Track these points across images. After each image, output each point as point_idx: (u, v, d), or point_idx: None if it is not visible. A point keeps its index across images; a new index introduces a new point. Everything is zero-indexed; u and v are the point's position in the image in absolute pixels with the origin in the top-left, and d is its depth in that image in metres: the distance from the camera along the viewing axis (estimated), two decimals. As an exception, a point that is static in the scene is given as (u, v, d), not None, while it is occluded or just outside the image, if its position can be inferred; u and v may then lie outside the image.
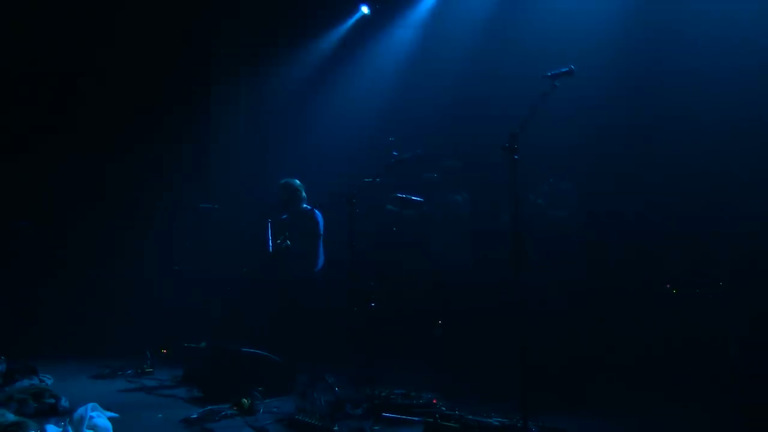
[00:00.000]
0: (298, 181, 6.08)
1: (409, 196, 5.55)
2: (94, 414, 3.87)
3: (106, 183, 7.83)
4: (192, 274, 7.04)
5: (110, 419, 3.95)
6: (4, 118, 7.44)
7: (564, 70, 3.58)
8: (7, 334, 6.37)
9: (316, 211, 5.96)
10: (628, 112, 5.45)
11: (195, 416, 4.25)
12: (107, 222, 7.63)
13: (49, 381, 5.22)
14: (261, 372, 4.86)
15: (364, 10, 7.40)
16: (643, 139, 5.36)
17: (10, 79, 7.45)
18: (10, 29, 7.40)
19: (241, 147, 8.16)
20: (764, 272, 4.63)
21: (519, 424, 3.41)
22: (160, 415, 4.43)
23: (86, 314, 7.09)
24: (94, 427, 3.79)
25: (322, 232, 5.95)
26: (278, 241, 5.80)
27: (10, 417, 3.84)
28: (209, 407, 4.37)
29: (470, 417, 3.63)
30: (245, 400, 4.35)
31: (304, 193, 6.08)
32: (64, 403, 4.43)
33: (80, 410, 3.88)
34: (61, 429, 3.77)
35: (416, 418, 4.01)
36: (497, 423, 3.54)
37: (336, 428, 3.85)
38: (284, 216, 6.11)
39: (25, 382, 4.98)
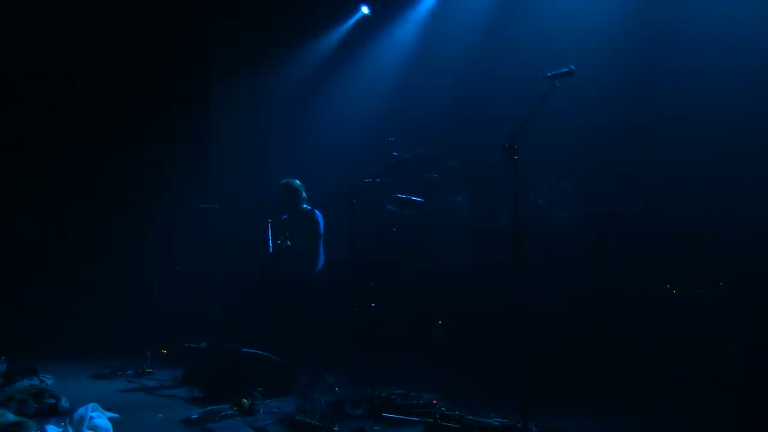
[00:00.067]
0: (298, 182, 6.09)
1: (409, 197, 5.55)
2: (94, 414, 3.87)
3: (106, 183, 7.84)
4: (192, 274, 7.04)
5: (110, 419, 3.95)
6: (4, 118, 7.44)
7: (564, 70, 3.59)
8: (7, 334, 6.38)
9: (317, 212, 5.96)
10: (627, 112, 5.45)
11: (195, 416, 4.25)
12: (107, 222, 7.64)
13: (49, 381, 5.22)
14: (261, 372, 4.86)
15: (364, 10, 7.40)
16: (642, 139, 5.36)
17: (10, 79, 7.45)
18: (10, 29, 7.40)
19: (241, 147, 8.16)
20: (764, 272, 4.63)
21: (519, 425, 3.41)
22: (160, 416, 4.43)
23: (86, 314, 7.09)
24: (94, 427, 3.80)
25: (322, 233, 5.95)
26: (278, 242, 5.80)
27: (11, 417, 3.84)
28: (209, 407, 4.37)
29: (470, 417, 3.64)
30: (245, 401, 4.35)
31: (304, 194, 6.08)
32: (65, 403, 4.43)
33: (80, 410, 3.88)
34: (61, 429, 3.77)
35: (416, 419, 4.02)
36: (497, 423, 3.54)
37: (336, 428, 3.85)
38: (284, 216, 6.11)
39: (26, 382, 4.99)
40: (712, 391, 4.44)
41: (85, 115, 7.71)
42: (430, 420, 3.72)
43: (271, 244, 5.87)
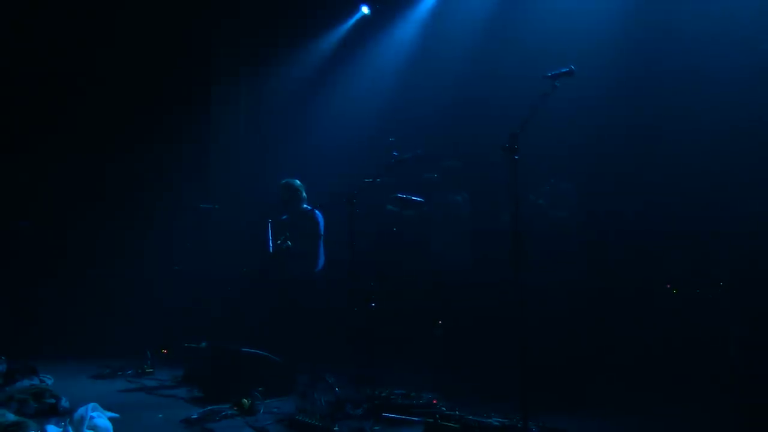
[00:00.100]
0: (298, 182, 6.09)
1: (409, 197, 5.55)
2: (94, 414, 3.87)
3: (106, 183, 7.83)
4: (192, 274, 7.04)
5: (110, 419, 3.95)
6: (4, 118, 7.44)
7: (564, 70, 3.59)
8: (7, 334, 6.38)
9: (317, 212, 5.96)
10: (628, 112, 5.45)
11: (195, 416, 4.25)
12: (107, 222, 7.64)
13: (49, 381, 5.22)
14: (261, 372, 4.86)
15: (365, 10, 7.40)
16: (643, 139, 5.35)
17: (10, 79, 7.45)
18: (10, 29, 7.40)
19: (241, 147, 8.16)
20: (764, 272, 4.63)
21: (519, 425, 3.42)
22: (160, 416, 4.43)
23: (86, 314, 7.09)
24: (94, 427, 3.79)
25: (322, 233, 5.95)
26: (278, 242, 5.80)
27: (11, 417, 3.84)
28: (210, 407, 4.38)
29: (470, 417, 3.64)
30: (246, 401, 4.35)
31: (304, 194, 6.08)
32: (65, 403, 4.43)
33: (80, 410, 3.87)
34: (61, 429, 3.77)
35: (416, 419, 4.02)
36: (497, 423, 3.54)
37: (336, 428, 3.85)
38: (284, 216, 6.11)
39: (26, 382, 4.98)
40: (712, 391, 4.44)
41: (85, 115, 7.71)
42: (431, 420, 3.72)
43: (271, 244, 5.87)
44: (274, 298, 5.99)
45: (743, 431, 4.11)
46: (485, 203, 5.83)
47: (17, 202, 7.50)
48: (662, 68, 5.33)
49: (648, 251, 5.25)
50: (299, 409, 4.20)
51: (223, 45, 8.18)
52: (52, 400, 4.43)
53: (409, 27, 7.14)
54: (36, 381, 5.10)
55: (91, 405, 3.94)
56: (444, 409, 4.06)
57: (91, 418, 3.82)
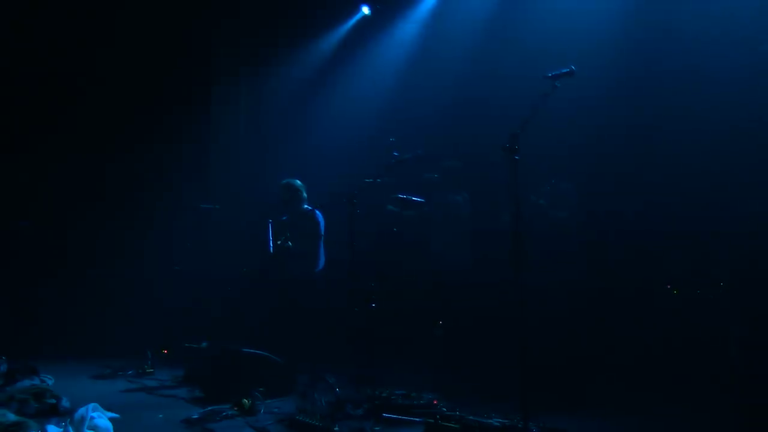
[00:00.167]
0: (299, 182, 6.09)
1: (409, 197, 5.55)
2: (95, 414, 3.87)
3: (106, 183, 7.83)
4: (192, 274, 7.04)
5: (111, 419, 3.95)
6: (4, 118, 7.44)
7: (564, 70, 3.59)
8: (8, 334, 6.37)
9: (317, 212, 5.97)
10: (628, 112, 5.45)
11: (196, 416, 4.26)
12: (107, 222, 7.63)
13: (50, 381, 5.21)
14: (262, 372, 4.86)
15: (365, 10, 7.40)
16: (643, 139, 5.36)
17: (10, 79, 7.45)
18: (10, 29, 7.40)
19: (241, 147, 8.16)
20: (764, 272, 4.63)
21: (519, 425, 3.42)
22: (161, 416, 4.43)
23: (86, 314, 7.08)
24: (95, 427, 3.80)
25: (322, 233, 5.96)
26: (279, 242, 5.80)
27: (11, 417, 3.85)
28: (210, 407, 4.38)
29: (471, 417, 3.64)
30: (246, 401, 4.35)
31: (305, 194, 6.08)
32: (65, 403, 4.43)
33: (81, 410, 3.88)
34: (62, 429, 3.77)
35: (417, 419, 4.02)
36: (498, 423, 3.55)
37: (337, 429, 3.85)
38: (285, 217, 6.11)
39: (26, 383, 4.98)
40: (713, 391, 4.44)
41: (85, 115, 7.70)
42: (431, 420, 3.72)
43: (271, 244, 5.87)
44: (274, 298, 5.99)
45: (743, 431, 4.11)
46: (485, 203, 5.83)
47: (17, 202, 7.50)
48: (662, 68, 5.33)
49: (648, 251, 5.26)
50: (299, 410, 4.20)
51: (223, 45, 8.17)
52: (53, 400, 4.43)
53: (410, 27, 7.14)
54: (37, 381, 5.09)
55: (91, 405, 3.94)
56: (444, 409, 4.07)
57: (92, 418, 3.83)
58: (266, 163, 7.80)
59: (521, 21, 6.09)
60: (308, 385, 4.21)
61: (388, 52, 7.23)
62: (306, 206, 6.05)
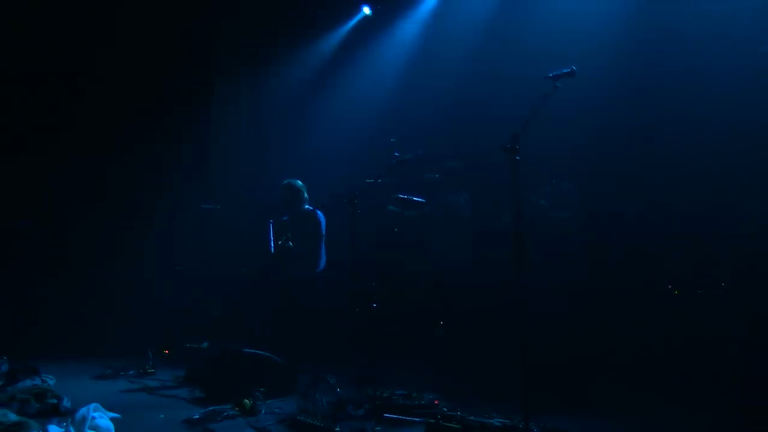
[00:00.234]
0: (300, 182, 6.09)
1: (410, 197, 5.55)
2: (96, 414, 3.88)
3: (106, 183, 7.82)
4: (192, 274, 7.04)
5: (112, 420, 3.96)
6: (4, 118, 7.43)
7: (565, 71, 3.59)
8: (8, 334, 6.37)
9: (318, 212, 5.97)
10: (629, 113, 5.45)
11: (197, 417, 4.25)
12: (107, 222, 7.63)
13: (51, 381, 5.22)
14: (263, 372, 4.86)
15: (366, 10, 7.40)
16: (644, 140, 5.36)
17: (10, 79, 7.44)
18: (10, 29, 7.39)
19: (241, 147, 8.16)
20: (765, 273, 4.63)
21: (520, 425, 3.42)
22: (162, 416, 4.43)
23: (86, 314, 7.08)
24: (96, 427, 3.80)
25: (324, 233, 5.96)
26: (280, 242, 5.80)
27: (13, 417, 3.85)
28: (211, 408, 4.38)
29: (472, 418, 3.65)
30: (247, 401, 4.36)
31: (306, 194, 6.08)
32: (66, 403, 4.42)
33: (82, 410, 3.88)
34: (63, 429, 3.78)
35: (418, 419, 4.03)
36: (499, 424, 3.55)
37: (338, 429, 3.86)
38: (285, 217, 6.11)
39: (28, 383, 4.99)
40: (713, 392, 4.45)
41: (85, 115, 7.70)
42: (432, 420, 3.72)
43: (272, 245, 5.87)
44: (275, 298, 5.99)
45: (744, 432, 4.12)
46: (486, 204, 5.83)
47: (17, 202, 7.49)
48: (663, 69, 5.33)
49: (649, 252, 5.26)
50: (301, 410, 4.20)
51: (223, 45, 8.17)
52: (54, 401, 4.43)
53: (411, 27, 7.14)
54: (38, 381, 5.10)
55: (92, 405, 3.95)
56: (445, 409, 4.08)
57: (93, 418, 3.83)
58: (266, 163, 7.80)
59: (522, 21, 6.10)
60: (309, 385, 4.21)
61: (388, 53, 7.24)
62: (307, 206, 6.05)
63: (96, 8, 7.51)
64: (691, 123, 5.04)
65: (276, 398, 4.69)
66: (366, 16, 7.46)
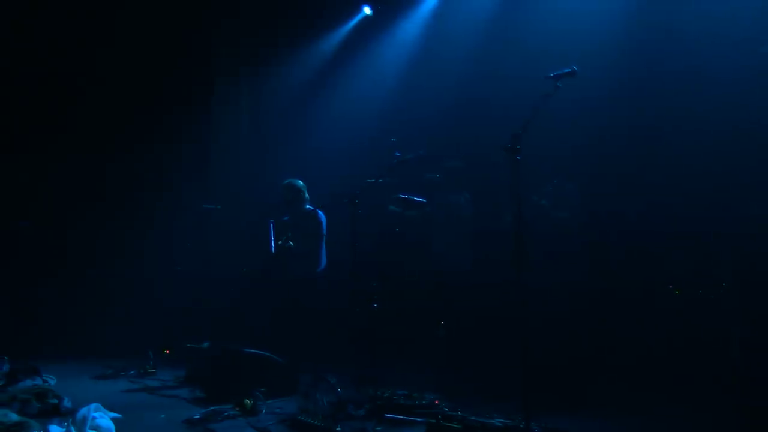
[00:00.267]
0: (301, 182, 6.09)
1: (411, 197, 5.55)
2: (96, 414, 3.88)
3: (106, 183, 7.82)
4: (193, 274, 7.04)
5: (113, 419, 3.96)
6: (4, 118, 7.43)
7: (566, 71, 3.59)
8: (8, 334, 6.37)
9: (319, 212, 5.97)
10: (630, 113, 5.45)
11: (198, 417, 4.26)
12: (107, 222, 7.63)
13: (52, 381, 5.23)
14: (263, 373, 4.86)
15: (366, 10, 7.40)
16: (645, 140, 5.36)
17: (10, 79, 7.44)
18: (10, 29, 7.39)
19: (241, 147, 8.16)
20: (766, 273, 4.63)
21: (521, 425, 3.42)
22: (162, 416, 4.43)
23: (87, 314, 7.08)
24: (96, 427, 3.80)
25: (324, 233, 5.95)
26: (280, 242, 5.80)
27: (14, 417, 3.85)
28: (212, 408, 4.38)
29: (473, 418, 3.65)
30: (248, 401, 4.36)
31: (307, 194, 6.08)
32: (67, 403, 4.43)
33: (83, 410, 3.89)
34: (64, 429, 3.78)
35: (418, 419, 4.03)
36: (499, 424, 3.56)
37: (338, 429, 3.86)
38: (286, 217, 6.11)
39: (28, 383, 5.00)
40: (714, 392, 4.44)
41: (85, 115, 7.70)
42: (433, 420, 3.72)
43: (273, 245, 5.87)
44: (276, 298, 5.99)
45: (745, 432, 4.12)
46: (487, 204, 5.83)
47: (17, 202, 7.49)
48: (664, 69, 5.33)
49: (650, 252, 5.26)
50: (301, 410, 4.20)
51: (223, 45, 8.17)
52: (55, 401, 4.43)
53: (411, 27, 7.14)
54: (38, 381, 5.11)
55: (93, 405, 3.95)
56: (446, 409, 4.08)
57: (94, 418, 3.83)
58: (267, 163, 7.80)
59: (523, 21, 6.09)
60: (310, 385, 4.21)
61: (389, 53, 7.23)
62: (308, 206, 6.05)
63: (96, 8, 7.51)
64: (692, 123, 5.04)
65: (277, 398, 4.69)
66: (366, 16, 7.46)
